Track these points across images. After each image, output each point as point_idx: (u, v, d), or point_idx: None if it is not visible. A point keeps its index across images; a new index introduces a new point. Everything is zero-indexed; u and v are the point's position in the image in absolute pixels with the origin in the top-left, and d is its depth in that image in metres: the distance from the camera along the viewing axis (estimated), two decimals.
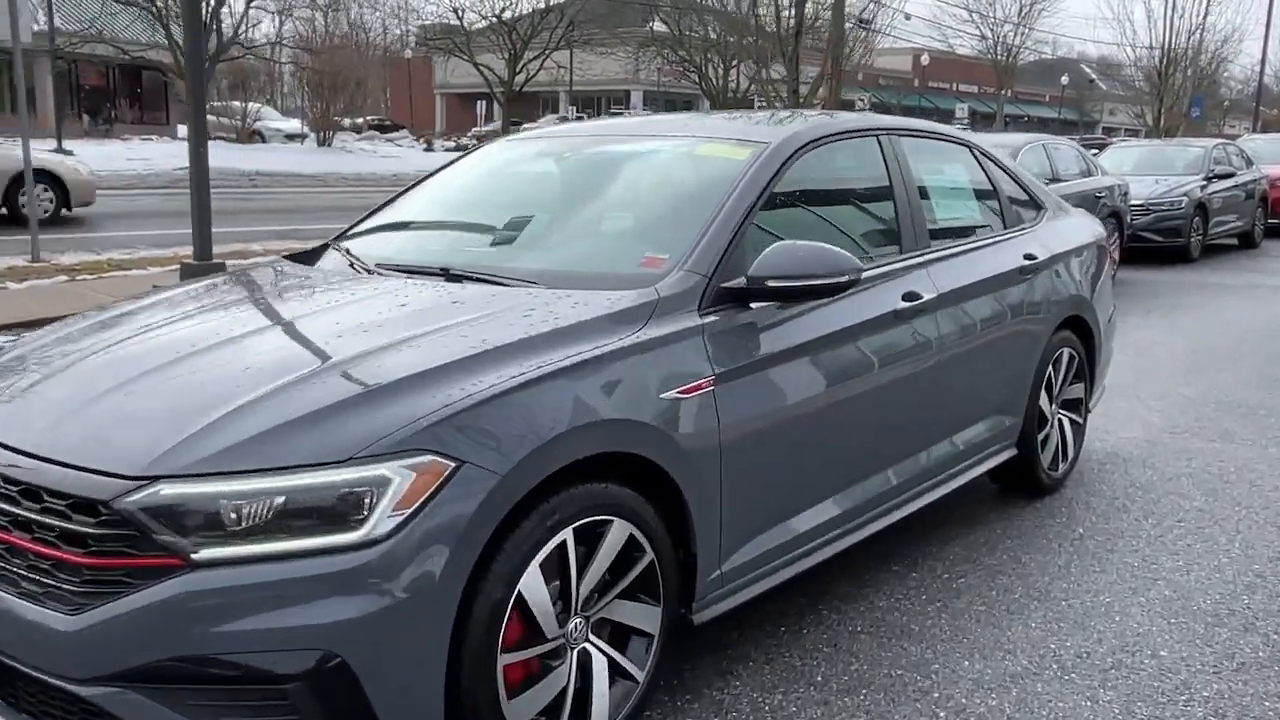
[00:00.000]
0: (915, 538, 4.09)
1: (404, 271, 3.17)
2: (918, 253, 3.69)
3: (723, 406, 2.77)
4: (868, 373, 3.31)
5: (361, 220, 3.82)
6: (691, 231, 2.99)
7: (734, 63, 29.36)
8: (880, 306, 3.39)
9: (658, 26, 33.56)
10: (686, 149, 3.53)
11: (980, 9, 53.65)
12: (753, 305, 2.95)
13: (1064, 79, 62.32)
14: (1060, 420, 4.69)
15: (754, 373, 2.89)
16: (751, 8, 24.11)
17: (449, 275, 3.03)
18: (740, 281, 2.91)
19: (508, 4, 30.89)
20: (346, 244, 3.61)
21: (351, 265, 3.35)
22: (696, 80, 29.15)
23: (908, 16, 44.18)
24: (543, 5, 31.64)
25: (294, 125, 34.55)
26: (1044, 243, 4.44)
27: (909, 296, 3.51)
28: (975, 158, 4.33)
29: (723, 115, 4.32)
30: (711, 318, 2.84)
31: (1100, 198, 11.23)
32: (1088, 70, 68.86)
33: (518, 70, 30.82)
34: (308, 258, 3.58)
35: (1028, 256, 4.25)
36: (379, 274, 3.19)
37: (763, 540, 2.99)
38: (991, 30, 54.22)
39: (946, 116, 52.33)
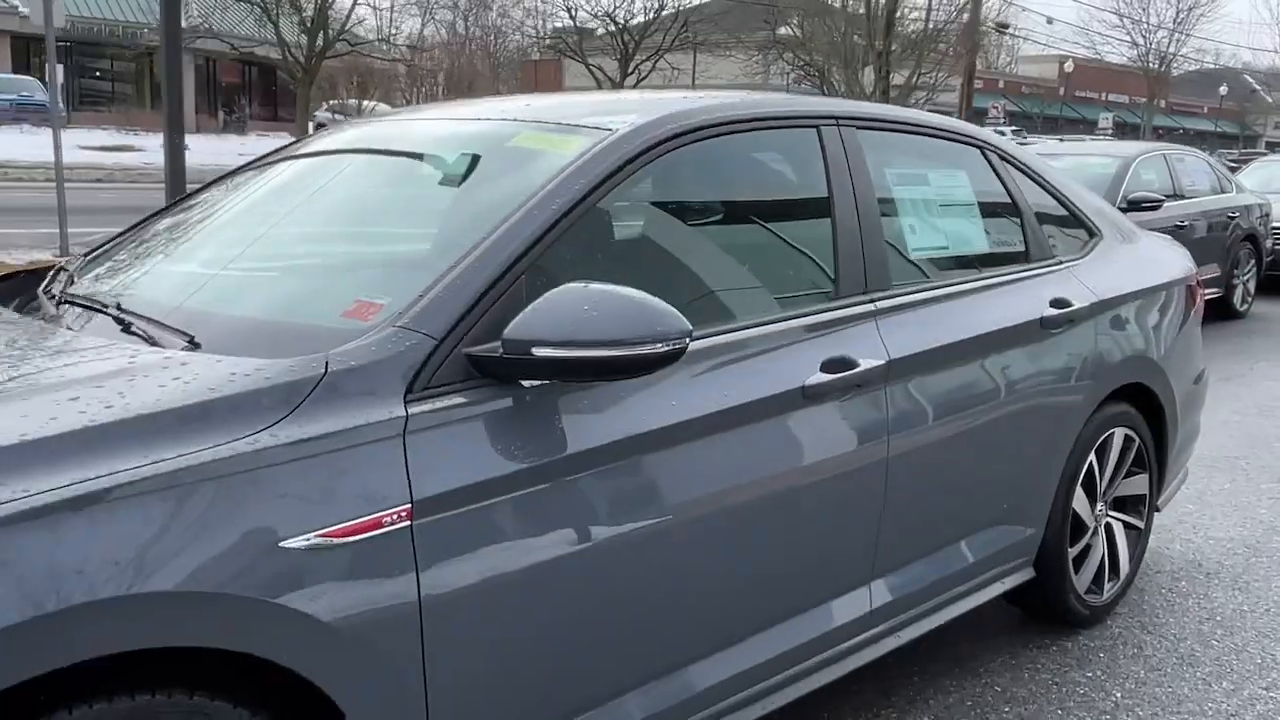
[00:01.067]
0: (870, 687, 2.92)
1: (83, 305, 2.20)
2: (865, 298, 2.53)
3: (429, 555, 1.70)
4: (742, 485, 2.18)
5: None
6: (437, 265, 1.93)
7: (861, 66, 27.86)
8: (777, 381, 2.26)
9: (783, 29, 32.29)
10: (499, 139, 2.45)
11: (1132, 14, 50.43)
12: (525, 384, 1.88)
13: (1222, 89, 58.19)
14: (1109, 525, 3.43)
15: (505, 496, 1.81)
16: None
17: (112, 313, 2.05)
18: (494, 348, 1.84)
19: (619, 3, 30.08)
20: (89, 262, 2.66)
21: (47, 289, 2.41)
22: (818, 85, 27.76)
23: (1049, 20, 41.63)
24: (656, 4, 30.74)
25: None
26: (1089, 283, 3.20)
27: (835, 365, 2.36)
28: (989, 162, 3.12)
29: (599, 93, 3.21)
30: (429, 405, 1.77)
31: (1233, 218, 9.61)
32: (1251, 81, 64.22)
33: (629, 71, 30.02)
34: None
35: (1057, 303, 3.03)
36: (56, 310, 2.23)
37: None
38: (1144, 37, 50.89)
39: (1092, 127, 49.30)
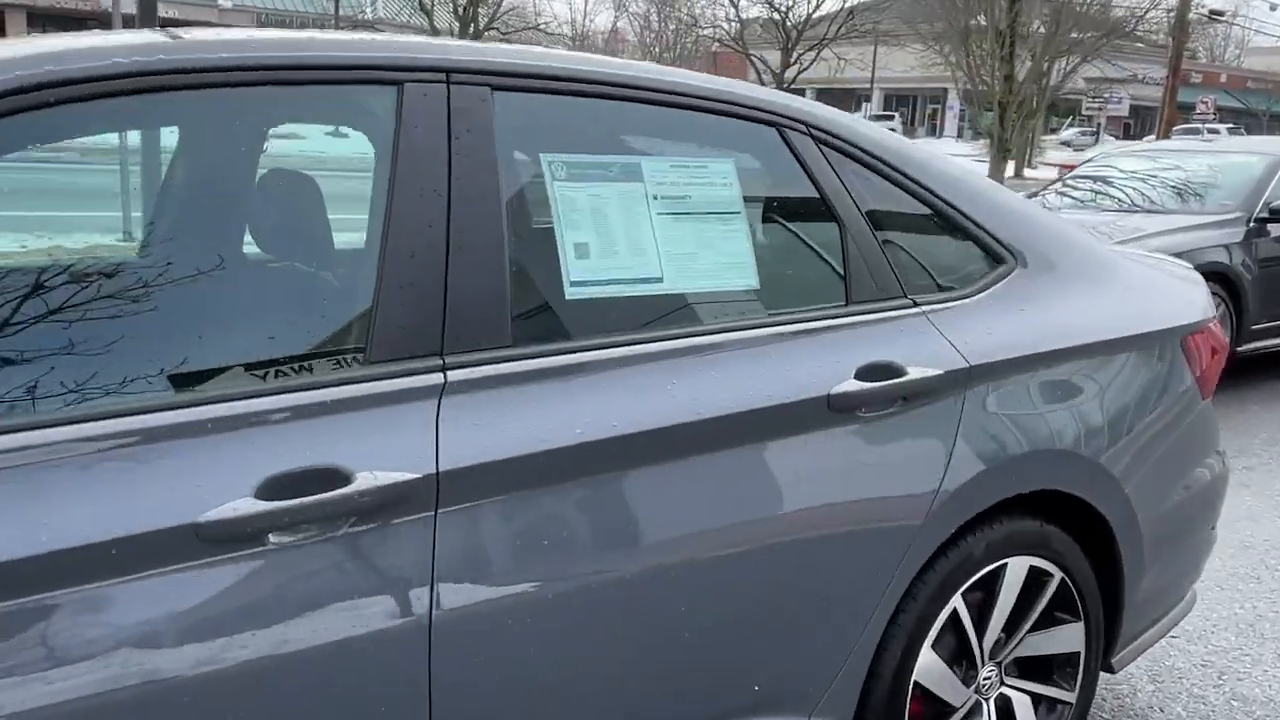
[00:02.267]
0: None
1: None
2: (425, 364, 1.54)
3: None
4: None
5: None
6: None
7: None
8: (159, 514, 1.31)
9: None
10: None
11: None
12: None
13: None
14: (1005, 700, 2.28)
15: None
16: None
17: None
18: None
19: None
20: None
21: None
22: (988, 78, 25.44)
23: (1274, 7, 37.51)
24: None
25: None
26: (960, 337, 2.07)
27: (308, 481, 1.38)
28: (792, 149, 2.01)
29: None
30: None
31: None
32: None
33: (790, 63, 28.54)
34: None
35: (875, 371, 1.93)
36: None
37: None
38: None
39: None
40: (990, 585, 2.19)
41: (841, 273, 2.02)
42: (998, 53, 15.26)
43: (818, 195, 2.02)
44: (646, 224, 1.80)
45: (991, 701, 2.25)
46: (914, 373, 1.96)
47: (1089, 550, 2.34)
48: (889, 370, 1.94)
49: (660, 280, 1.80)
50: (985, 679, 2.22)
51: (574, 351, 1.67)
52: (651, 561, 1.67)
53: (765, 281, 1.93)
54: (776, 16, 28.67)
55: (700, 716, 1.81)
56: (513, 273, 1.64)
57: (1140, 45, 39.17)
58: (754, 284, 1.91)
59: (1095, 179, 8.19)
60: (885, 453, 1.93)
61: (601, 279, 1.73)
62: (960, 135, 46.11)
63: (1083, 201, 7.89)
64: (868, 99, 54.66)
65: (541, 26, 28.81)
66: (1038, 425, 2.14)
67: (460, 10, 24.03)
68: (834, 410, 1.86)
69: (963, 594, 2.12)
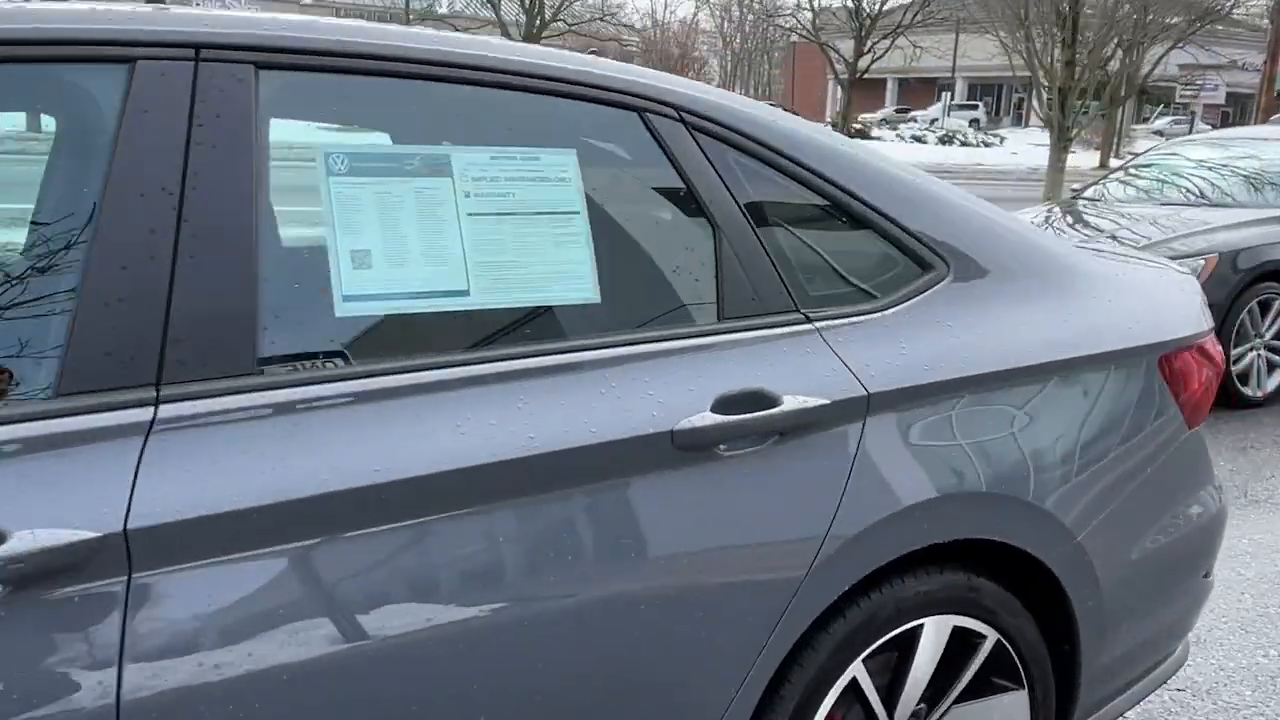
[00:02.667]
0: None
1: None
2: (137, 395, 1.28)
3: None
4: None
5: None
6: None
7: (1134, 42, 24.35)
8: None
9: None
10: None
11: None
12: None
13: None
14: None
15: None
16: None
17: None
18: None
19: None
20: None
21: None
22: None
23: None
24: None
25: None
26: (861, 358, 1.74)
27: None
28: (658, 138, 1.70)
29: None
30: None
31: None
32: None
33: (864, 51, 27.74)
34: None
35: (733, 402, 1.62)
36: None
37: None
38: None
39: None
40: (906, 648, 1.86)
41: (714, 283, 1.71)
42: (1057, 36, 14.48)
43: (686, 191, 1.71)
44: (453, 227, 1.52)
45: None
46: (790, 403, 1.64)
47: (1037, 607, 1.99)
48: (758, 400, 1.63)
49: (466, 294, 1.51)
50: None
51: (341, 380, 1.40)
52: (428, 637, 1.39)
53: (612, 295, 1.63)
54: (850, 4, 27.88)
55: None
56: (265, 286, 1.38)
57: (1239, 30, 37.28)
58: (593, 298, 1.61)
59: (1160, 168, 7.65)
60: (752, 498, 1.62)
61: (385, 293, 1.46)
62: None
63: (1147, 192, 7.36)
64: (948, 88, 53.20)
65: (609, 17, 28.44)
66: (961, 464, 1.81)
67: (527, 2, 23.91)
68: (681, 448, 1.56)
69: (865, 660, 1.80)
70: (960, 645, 1.92)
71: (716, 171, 1.73)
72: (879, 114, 50.78)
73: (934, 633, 1.86)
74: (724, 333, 1.68)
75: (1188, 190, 7.22)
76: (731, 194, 1.74)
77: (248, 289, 1.36)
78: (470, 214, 1.54)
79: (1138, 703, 2.24)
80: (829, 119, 35.42)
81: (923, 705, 1.91)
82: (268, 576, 1.30)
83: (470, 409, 1.44)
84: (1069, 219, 7.03)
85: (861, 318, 1.80)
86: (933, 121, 45.46)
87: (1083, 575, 1.97)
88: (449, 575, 1.40)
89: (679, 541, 1.56)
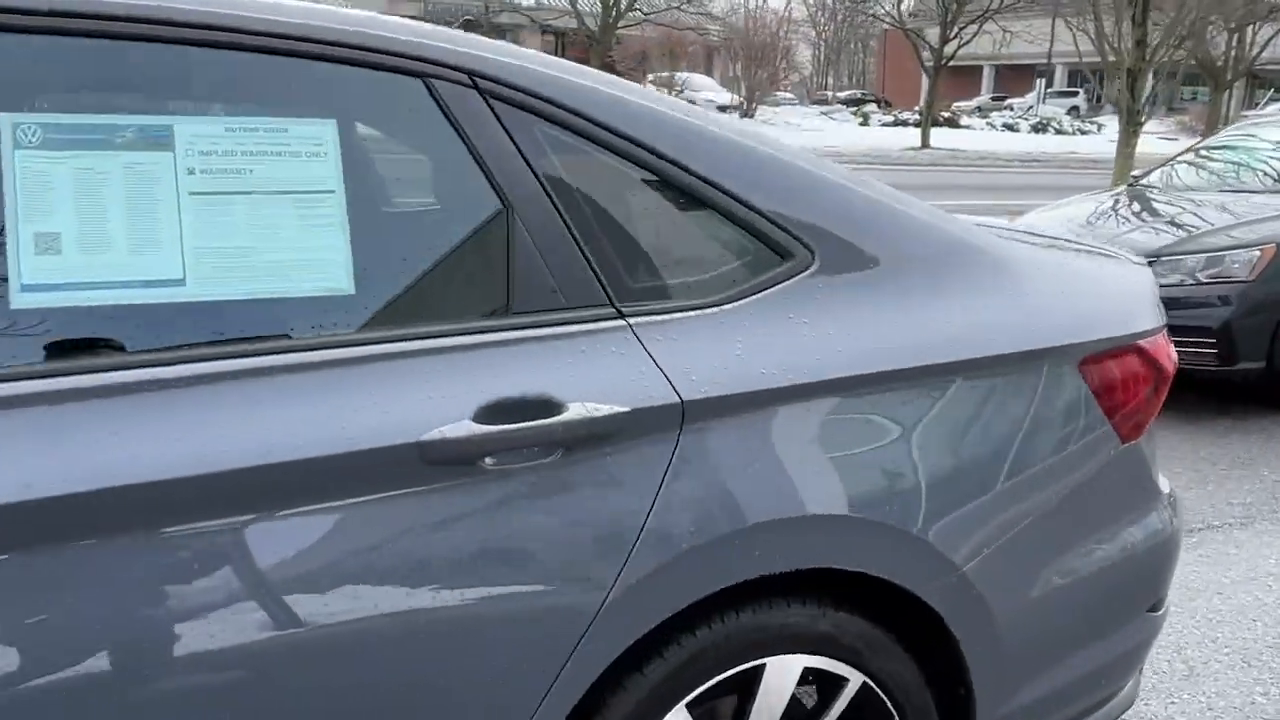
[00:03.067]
0: None
1: None
2: None
3: None
4: None
5: None
6: None
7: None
8: None
9: None
10: None
11: None
12: None
13: None
14: None
15: None
16: None
17: None
18: None
19: None
20: None
21: None
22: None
23: None
24: None
25: (725, 96, 33.44)
26: (682, 362, 1.50)
27: None
28: (445, 110, 1.48)
29: None
30: None
31: None
32: None
33: (950, 37, 26.86)
34: None
35: (505, 409, 1.39)
36: None
37: None
38: None
39: None
40: (747, 691, 1.63)
41: (504, 273, 1.49)
42: (1127, 13, 13.64)
43: (477, 168, 1.50)
44: (170, 208, 1.33)
45: None
46: (575, 411, 1.42)
47: (921, 647, 1.74)
48: (539, 407, 1.41)
49: (181, 284, 1.33)
50: None
51: (16, 379, 1.23)
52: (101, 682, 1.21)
53: (373, 287, 1.43)
54: None
55: None
56: None
57: None
58: (345, 289, 1.41)
59: (1233, 150, 7.14)
60: (530, 521, 1.41)
61: (75, 282, 1.28)
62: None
63: (1218, 176, 6.86)
64: (1045, 75, 51.36)
65: (687, 5, 27.95)
66: (805, 483, 1.56)
67: None
68: (432, 462, 1.35)
69: (689, 706, 1.57)
70: (822, 687, 1.68)
71: (517, 146, 1.51)
72: (974, 101, 49.49)
73: (778, 675, 1.62)
74: (510, 329, 1.46)
75: (1262, 174, 6.71)
76: (535, 172, 1.51)
77: None
78: (193, 193, 1.35)
79: None
80: (917, 107, 34.47)
81: None
82: None
83: (172, 413, 1.26)
84: (1125, 204, 6.60)
85: (692, 313, 1.57)
86: (1029, 109, 44.07)
87: (972, 611, 1.70)
88: (142, 597, 1.22)
89: (437, 566, 1.36)
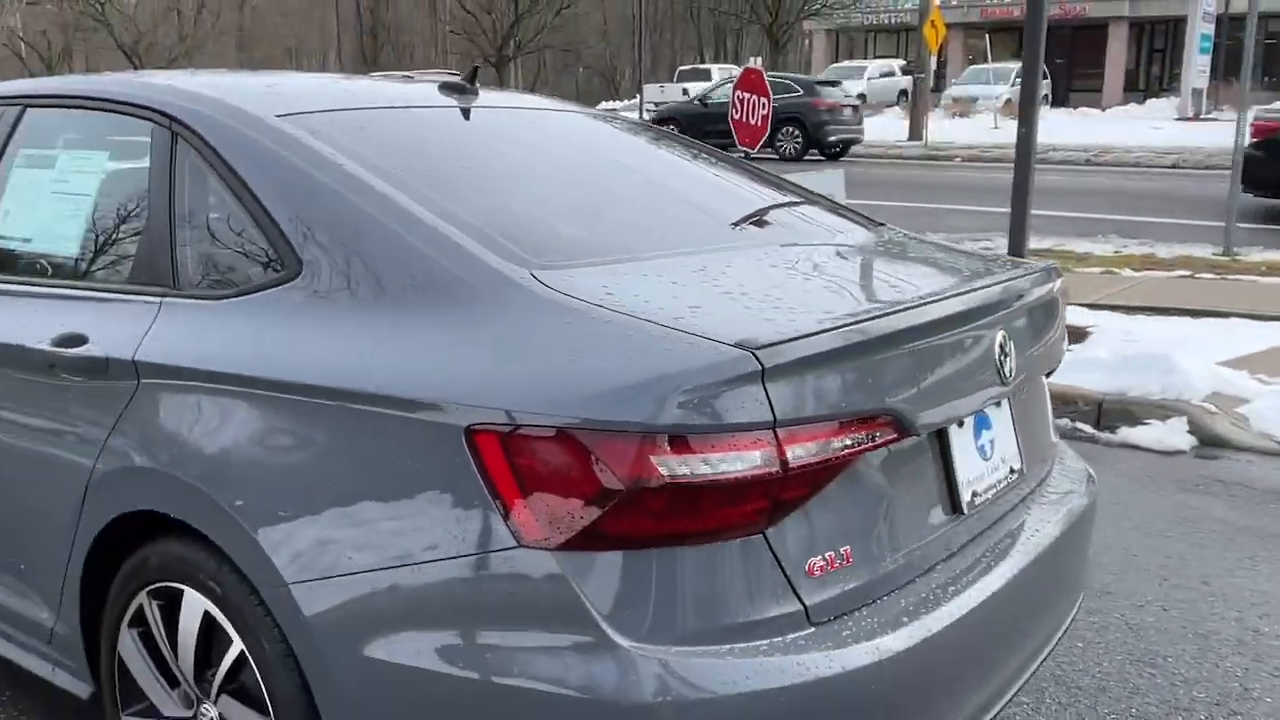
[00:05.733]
0: None
1: None
2: None
3: None
4: None
5: None
6: None
7: None
8: None
9: None
10: None
11: None
12: None
13: None
14: None
15: None
16: None
17: None
18: None
19: None
20: None
21: None
22: None
23: None
24: None
25: None
26: (175, 334, 2.09)
27: None
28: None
29: None
30: None
31: None
32: None
33: None
34: None
35: (66, 339, 2.26)
36: None
37: None
38: None
39: None
40: (172, 611, 2.06)
41: (131, 255, 2.34)
42: None
43: (145, 179, 2.28)
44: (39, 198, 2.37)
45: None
46: (89, 349, 2.16)
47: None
48: (75, 340, 2.19)
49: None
50: (206, 714, 2.04)
51: None
52: None
53: (80, 252, 2.45)
54: None
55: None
56: None
57: None
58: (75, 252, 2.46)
59: None
60: (67, 412, 2.21)
61: None
62: None
63: None
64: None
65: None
66: (174, 445, 1.99)
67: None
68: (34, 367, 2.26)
69: (151, 597, 2.08)
70: (214, 632, 2.00)
71: (172, 164, 2.18)
72: None
73: (192, 605, 1.98)
74: (104, 290, 2.28)
75: None
76: (172, 184, 2.17)
77: None
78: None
79: None
80: None
81: (212, 675, 2.01)
82: None
83: None
84: None
85: (206, 302, 2.05)
86: None
87: (259, 580, 1.85)
88: None
89: (19, 429, 2.32)
